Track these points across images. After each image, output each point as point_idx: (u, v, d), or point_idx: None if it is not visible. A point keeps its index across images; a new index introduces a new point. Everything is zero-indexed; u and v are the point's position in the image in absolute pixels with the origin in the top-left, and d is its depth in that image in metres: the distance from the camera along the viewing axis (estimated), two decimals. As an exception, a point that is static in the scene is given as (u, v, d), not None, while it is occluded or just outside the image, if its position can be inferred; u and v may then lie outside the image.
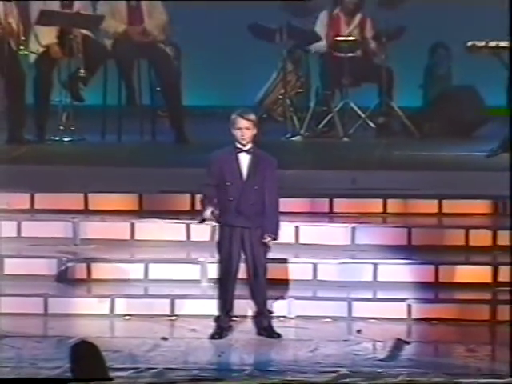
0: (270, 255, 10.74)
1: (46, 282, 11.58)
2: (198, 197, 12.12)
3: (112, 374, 9.11)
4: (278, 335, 10.63)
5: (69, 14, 14.34)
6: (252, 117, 10.69)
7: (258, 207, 10.50)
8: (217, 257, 10.93)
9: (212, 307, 11.17)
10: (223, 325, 10.78)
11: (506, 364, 9.82)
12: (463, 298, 11.08)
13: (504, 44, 13.29)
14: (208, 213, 10.64)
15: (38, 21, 14.14)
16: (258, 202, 10.49)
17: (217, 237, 10.88)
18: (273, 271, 11.03)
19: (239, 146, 10.45)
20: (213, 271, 11.57)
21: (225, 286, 10.73)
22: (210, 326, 10.76)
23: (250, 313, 10.94)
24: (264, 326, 10.66)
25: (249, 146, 10.47)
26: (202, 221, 10.85)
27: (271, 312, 10.76)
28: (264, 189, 10.51)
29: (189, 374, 9.62)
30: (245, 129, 10.42)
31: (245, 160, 10.48)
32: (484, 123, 14.95)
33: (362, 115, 14.55)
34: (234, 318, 10.96)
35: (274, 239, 10.63)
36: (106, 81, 14.82)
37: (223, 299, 10.87)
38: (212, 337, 10.81)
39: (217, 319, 10.72)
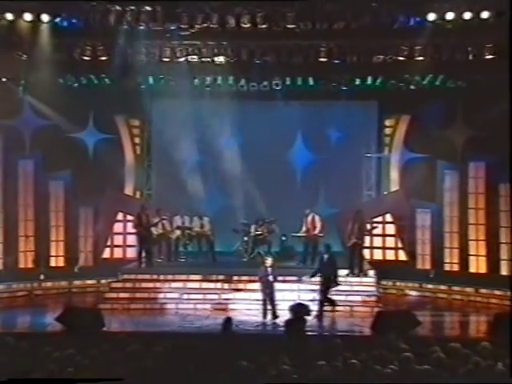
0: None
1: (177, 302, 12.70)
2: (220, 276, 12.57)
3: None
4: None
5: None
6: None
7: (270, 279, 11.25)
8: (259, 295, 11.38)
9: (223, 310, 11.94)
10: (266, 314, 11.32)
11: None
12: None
13: (300, 234, 13.78)
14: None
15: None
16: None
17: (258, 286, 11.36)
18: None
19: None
20: (225, 298, 12.29)
21: (264, 302, 11.44)
22: (222, 315, 10.53)
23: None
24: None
25: None
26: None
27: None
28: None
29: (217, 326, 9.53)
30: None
31: None
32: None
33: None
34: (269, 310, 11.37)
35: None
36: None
37: (264, 305, 11.36)
38: (269, 318, 11.21)
39: (264, 312, 11.45)
